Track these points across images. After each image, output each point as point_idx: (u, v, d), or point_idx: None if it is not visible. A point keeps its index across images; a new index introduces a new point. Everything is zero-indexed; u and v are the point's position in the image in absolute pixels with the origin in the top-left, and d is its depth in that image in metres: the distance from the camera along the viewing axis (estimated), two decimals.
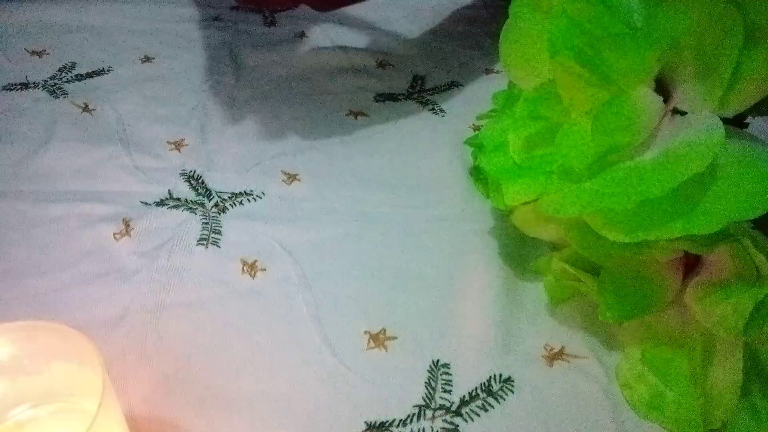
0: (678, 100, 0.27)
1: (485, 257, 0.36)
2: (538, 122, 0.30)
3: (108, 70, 0.50)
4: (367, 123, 0.46)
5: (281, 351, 0.31)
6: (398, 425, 0.29)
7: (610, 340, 0.32)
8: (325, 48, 0.53)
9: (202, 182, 0.40)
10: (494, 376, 0.30)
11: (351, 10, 0.56)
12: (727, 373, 0.27)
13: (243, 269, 0.35)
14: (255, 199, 0.39)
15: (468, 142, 0.40)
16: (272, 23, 0.57)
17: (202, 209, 0.38)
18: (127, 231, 0.37)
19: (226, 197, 0.39)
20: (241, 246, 0.36)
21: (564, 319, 0.33)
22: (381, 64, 0.51)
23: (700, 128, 0.25)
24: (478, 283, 0.34)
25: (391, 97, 0.48)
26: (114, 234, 0.37)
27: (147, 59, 0.52)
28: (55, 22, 0.55)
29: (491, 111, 0.38)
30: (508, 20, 0.32)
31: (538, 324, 0.33)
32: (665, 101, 0.27)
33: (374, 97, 0.48)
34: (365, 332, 0.32)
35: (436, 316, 0.33)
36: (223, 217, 0.38)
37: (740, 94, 0.25)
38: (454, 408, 0.29)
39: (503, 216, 0.37)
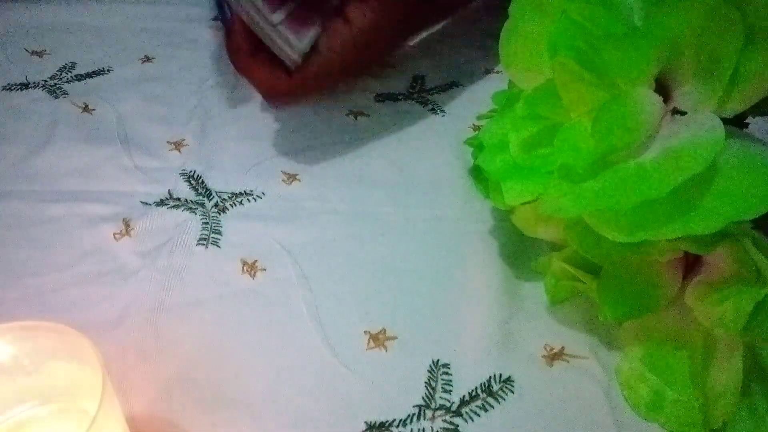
0: (678, 100, 0.27)
1: (485, 257, 0.36)
2: (538, 122, 0.30)
3: (108, 70, 0.50)
4: (367, 123, 0.46)
5: (281, 351, 0.31)
6: (398, 425, 0.29)
7: (610, 340, 0.32)
8: None
9: (202, 182, 0.40)
10: (494, 376, 0.30)
11: None
12: (727, 373, 0.27)
13: (243, 269, 0.35)
14: (255, 199, 0.39)
15: (468, 142, 0.40)
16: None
17: (202, 209, 0.38)
18: (127, 231, 0.37)
19: (226, 197, 0.39)
20: (241, 246, 0.36)
21: (564, 319, 0.33)
22: (381, 64, 0.51)
23: (700, 128, 0.25)
24: (478, 283, 0.34)
25: (391, 97, 0.48)
26: (114, 234, 0.37)
27: (147, 59, 0.52)
28: (55, 22, 0.55)
29: (491, 111, 0.38)
30: (508, 20, 0.32)
31: (538, 324, 0.33)
32: (665, 101, 0.27)
33: (374, 97, 0.48)
34: (365, 332, 0.32)
35: (436, 316, 0.33)
36: (223, 217, 0.38)
37: (740, 94, 0.25)
38: (454, 408, 0.29)
39: (503, 216, 0.37)
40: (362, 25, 0.38)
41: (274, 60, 0.39)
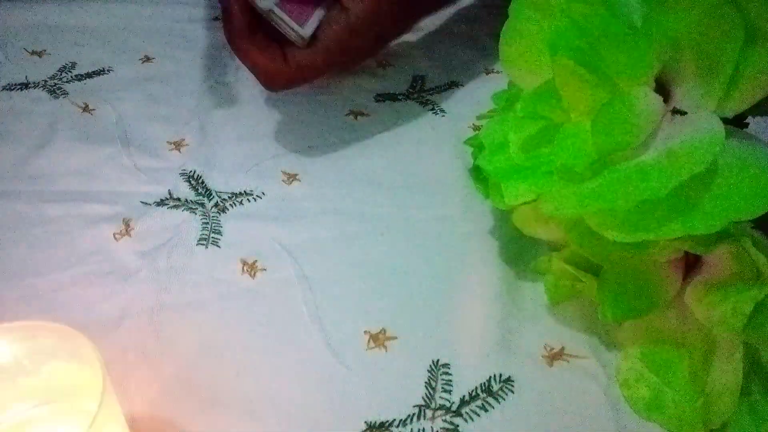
0: (678, 100, 0.27)
1: (485, 257, 0.36)
2: (538, 122, 0.30)
3: (108, 70, 0.50)
4: (367, 123, 0.46)
5: (281, 351, 0.31)
6: (398, 425, 0.29)
7: (610, 340, 0.32)
8: None
9: (202, 182, 0.40)
10: (494, 376, 0.30)
11: None
12: (727, 373, 0.27)
13: (243, 269, 0.35)
14: (255, 199, 0.39)
15: (468, 142, 0.40)
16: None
17: (202, 209, 0.38)
18: (127, 231, 0.37)
19: (226, 197, 0.39)
20: (241, 246, 0.36)
21: (564, 319, 0.33)
22: (381, 64, 0.51)
23: (700, 128, 0.25)
24: (478, 283, 0.34)
25: (391, 97, 0.48)
26: (114, 234, 0.37)
27: (147, 59, 0.52)
28: (55, 22, 0.55)
29: (491, 111, 0.38)
30: (508, 20, 0.32)
31: (538, 324, 0.33)
32: (665, 101, 0.27)
33: (374, 97, 0.48)
34: (365, 332, 0.32)
35: (436, 316, 0.33)
36: (223, 217, 0.38)
37: (740, 94, 0.25)
38: (454, 408, 0.29)
39: (503, 216, 0.37)
40: (359, 12, 0.38)
41: (272, 43, 0.38)
